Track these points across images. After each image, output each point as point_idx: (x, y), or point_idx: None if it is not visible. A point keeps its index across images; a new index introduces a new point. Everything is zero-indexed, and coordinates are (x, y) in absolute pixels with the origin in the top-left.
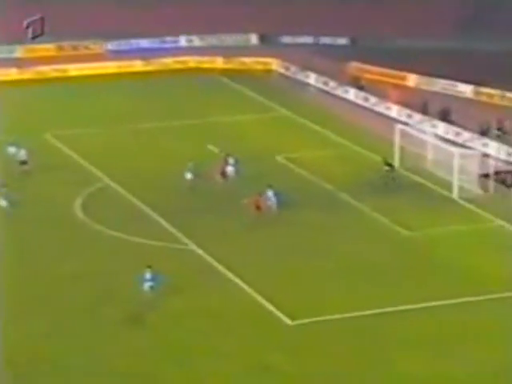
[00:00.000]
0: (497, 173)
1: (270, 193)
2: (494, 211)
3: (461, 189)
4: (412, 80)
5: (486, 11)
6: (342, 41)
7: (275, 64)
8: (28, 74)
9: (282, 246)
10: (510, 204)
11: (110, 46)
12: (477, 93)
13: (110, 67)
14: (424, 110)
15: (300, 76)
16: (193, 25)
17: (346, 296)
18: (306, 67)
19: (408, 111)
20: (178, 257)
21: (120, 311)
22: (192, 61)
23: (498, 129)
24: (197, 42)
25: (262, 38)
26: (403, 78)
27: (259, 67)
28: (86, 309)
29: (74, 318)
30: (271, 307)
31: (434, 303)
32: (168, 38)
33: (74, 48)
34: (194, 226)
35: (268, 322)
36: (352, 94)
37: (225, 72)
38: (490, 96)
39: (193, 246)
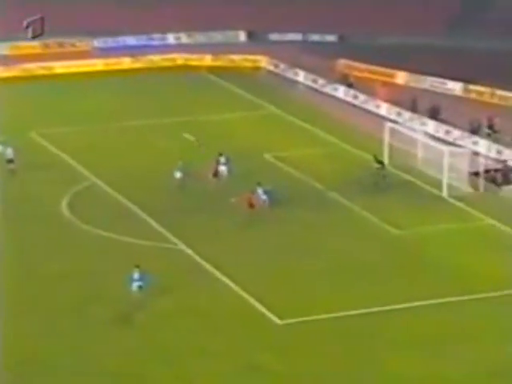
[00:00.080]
0: (487, 171)
1: (259, 190)
2: (484, 210)
3: (451, 187)
4: (401, 77)
5: (475, 9)
6: (331, 38)
7: (264, 61)
8: (14, 71)
9: (271, 245)
10: (500, 202)
11: (97, 43)
12: (466, 90)
13: (97, 65)
14: (413, 108)
15: (289, 73)
16: (181, 22)
17: (336, 295)
18: (295, 64)
19: (397, 109)
20: (166, 256)
21: (108, 311)
22: (180, 58)
23: (489, 127)
24: (184, 39)
25: (251, 35)
26: (392, 76)
27: (247, 64)
28: (74, 309)
29: (62, 317)
30: (260, 307)
31: (423, 302)
32: (155, 36)
33: (60, 45)
34: (182, 225)
35: (257, 321)
36: (341, 91)
37: (213, 69)
38: (480, 94)
39: (182, 246)
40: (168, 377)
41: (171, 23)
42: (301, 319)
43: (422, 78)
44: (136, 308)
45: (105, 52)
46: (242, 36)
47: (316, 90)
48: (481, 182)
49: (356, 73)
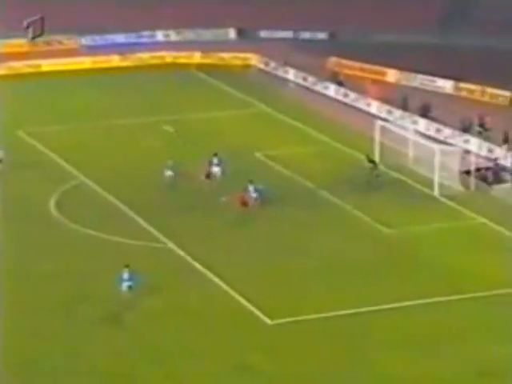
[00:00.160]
0: (478, 170)
1: (251, 188)
2: (475, 209)
3: (442, 186)
4: (392, 75)
5: (466, 6)
6: (322, 36)
7: (254, 59)
8: (0, 69)
9: (261, 245)
10: (491, 201)
11: (85, 41)
12: (457, 88)
13: (85, 63)
14: (404, 106)
15: (279, 71)
16: (170, 19)
17: (326, 295)
18: (285, 62)
19: (388, 107)
20: (156, 256)
21: (97, 311)
22: (169, 56)
23: (480, 125)
24: (174, 36)
25: (241, 33)
26: (383, 74)
27: (237, 62)
28: (63, 308)
29: (51, 317)
30: (250, 306)
31: (414, 302)
32: (144, 33)
33: (48, 43)
34: (172, 225)
35: (247, 321)
36: (332, 89)
37: (202, 67)
38: (471, 92)
39: (171, 245)
40: (158, 377)
41: (160, 21)
42: (291, 319)
43: (413, 75)
44: (125, 308)
45: (93, 50)
46: (232, 33)
47: (307, 88)
48: (472, 180)
49: (346, 71)
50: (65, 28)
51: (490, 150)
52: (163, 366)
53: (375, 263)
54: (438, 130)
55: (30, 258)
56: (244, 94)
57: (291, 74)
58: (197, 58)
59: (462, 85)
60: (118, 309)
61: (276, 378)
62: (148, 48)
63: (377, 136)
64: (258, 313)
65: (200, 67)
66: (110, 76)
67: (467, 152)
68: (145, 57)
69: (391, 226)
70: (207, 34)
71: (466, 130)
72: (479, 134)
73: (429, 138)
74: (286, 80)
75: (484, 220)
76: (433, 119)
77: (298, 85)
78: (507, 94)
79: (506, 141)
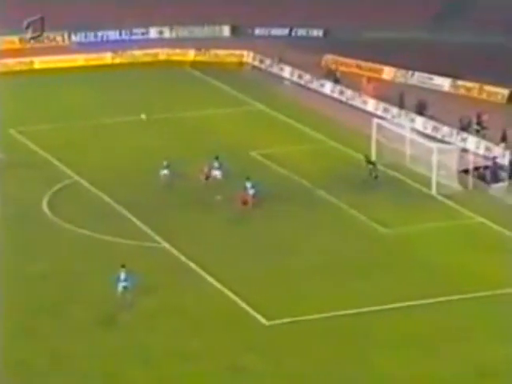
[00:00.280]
0: (476, 168)
1: (248, 185)
2: (473, 208)
3: (439, 185)
4: (388, 73)
5: (463, 3)
6: (317, 33)
7: (248, 57)
8: None
9: (257, 244)
10: (489, 200)
11: (77, 37)
12: (454, 86)
13: (77, 60)
14: (400, 104)
15: (274, 69)
16: (163, 16)
17: (323, 295)
18: (280, 60)
19: (385, 105)
20: (150, 255)
21: (92, 311)
22: (162, 53)
23: (477, 123)
24: (167, 33)
25: (235, 30)
26: (379, 71)
27: (232, 60)
28: (57, 309)
29: (45, 318)
30: (247, 307)
31: (412, 302)
32: (137, 30)
33: (40, 40)
34: (167, 224)
35: (243, 322)
36: (328, 87)
37: (196, 65)
38: (468, 89)
39: (166, 245)
40: (152, 378)
41: (153, 17)
42: (287, 319)
43: (409, 73)
44: (120, 308)
45: (85, 47)
46: (226, 31)
47: (302, 86)
48: (470, 179)
49: (342, 68)
50: (57, 25)
51: (488, 149)
52: (157, 367)
53: (372, 263)
54: (435, 128)
55: (23, 259)
56: (239, 92)
57: (286, 72)
58: (191, 55)
59: (460, 82)
60: (112, 309)
61: (272, 379)
62: (141, 45)
63: (373, 134)
64: (254, 313)
65: (194, 65)
66: (103, 73)
67: (465, 150)
68: (138, 54)
69: (388, 226)
70: (201, 31)
71: (464, 128)
72: (477, 133)
73: (426, 136)
74: (281, 78)
75: (482, 219)
76: (430, 117)
77: (293, 82)
78: (505, 91)
79: (503, 139)
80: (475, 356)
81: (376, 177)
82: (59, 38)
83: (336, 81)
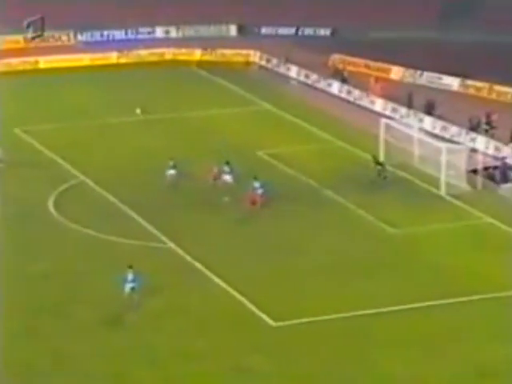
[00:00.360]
0: (485, 168)
1: (256, 184)
2: (482, 208)
3: (448, 185)
4: (396, 72)
5: (472, 2)
6: (324, 32)
7: (255, 56)
8: None
9: (264, 244)
10: (498, 200)
11: (83, 37)
12: (463, 86)
13: (83, 59)
14: (409, 104)
15: (281, 68)
16: (170, 15)
17: (330, 295)
18: (287, 59)
19: (393, 105)
20: (156, 256)
21: (97, 311)
22: (168, 53)
23: (486, 123)
24: (174, 33)
25: (242, 30)
26: (387, 71)
27: (239, 59)
28: (62, 309)
29: (50, 318)
30: (253, 308)
31: (419, 303)
32: (143, 30)
33: (45, 40)
34: (173, 224)
35: (250, 323)
36: (335, 87)
37: (203, 64)
38: (478, 89)
39: (172, 245)
40: (158, 378)
41: (160, 17)
42: (295, 321)
43: (418, 73)
44: (126, 309)
45: (91, 46)
46: (233, 30)
47: (309, 86)
48: (479, 179)
49: (350, 67)
50: (63, 24)
51: (497, 149)
52: (163, 367)
53: (379, 263)
54: (443, 128)
55: (29, 258)
56: (245, 92)
57: (293, 71)
58: (197, 54)
59: (469, 82)
60: (117, 309)
61: (278, 380)
62: (147, 45)
63: (381, 134)
64: (261, 314)
65: (200, 64)
66: (109, 73)
67: (474, 150)
68: (144, 54)
69: (396, 226)
70: (208, 31)
71: (473, 128)
72: (486, 132)
73: (435, 136)
74: (287, 77)
75: (491, 220)
76: (438, 117)
77: (300, 82)
78: None
79: None
80: (476, 357)
81: (385, 177)
82: (65, 38)
83: (343, 80)
